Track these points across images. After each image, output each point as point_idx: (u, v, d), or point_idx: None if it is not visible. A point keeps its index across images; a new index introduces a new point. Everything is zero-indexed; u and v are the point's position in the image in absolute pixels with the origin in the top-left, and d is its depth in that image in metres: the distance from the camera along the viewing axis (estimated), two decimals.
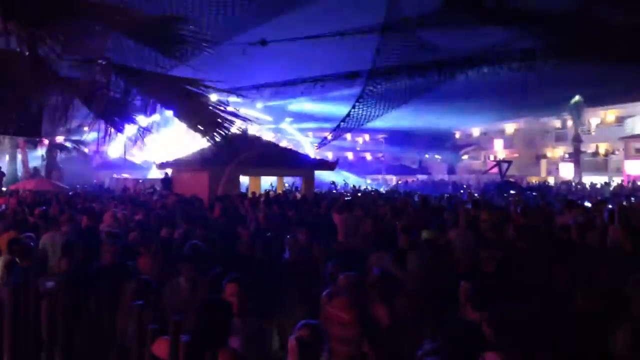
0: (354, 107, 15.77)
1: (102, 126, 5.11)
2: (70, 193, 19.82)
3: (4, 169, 25.42)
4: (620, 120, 44.56)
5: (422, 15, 14.85)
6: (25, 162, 29.62)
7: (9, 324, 4.45)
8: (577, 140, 42.88)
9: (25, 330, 4.71)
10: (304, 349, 3.55)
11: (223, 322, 3.46)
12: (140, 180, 33.08)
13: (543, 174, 48.96)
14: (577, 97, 41.79)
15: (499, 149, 55.42)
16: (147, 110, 5.10)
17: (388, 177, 54.32)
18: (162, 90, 5.05)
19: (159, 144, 32.97)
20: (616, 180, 36.98)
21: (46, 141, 32.80)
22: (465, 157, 59.49)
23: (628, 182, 35.12)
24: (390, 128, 60.39)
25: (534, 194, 23.28)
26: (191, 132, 5.53)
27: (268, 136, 40.28)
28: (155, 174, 30.12)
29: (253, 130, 26.98)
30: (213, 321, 3.43)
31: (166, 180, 23.21)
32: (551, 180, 43.25)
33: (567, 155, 47.57)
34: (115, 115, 5.15)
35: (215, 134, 5.17)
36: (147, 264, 5.93)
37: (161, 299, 5.02)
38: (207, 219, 10.57)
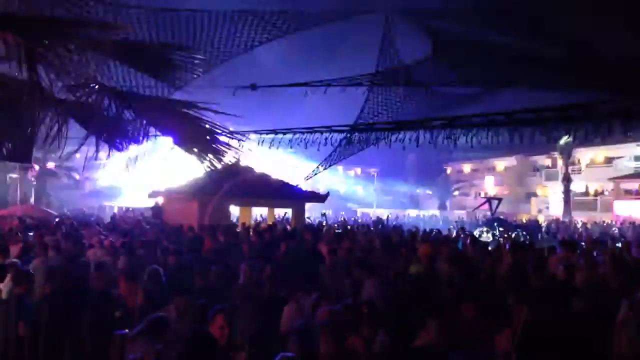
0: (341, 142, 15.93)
1: (100, 148, 5.08)
2: (57, 219, 19.64)
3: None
4: (609, 160, 45.10)
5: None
6: (21, 187, 29.41)
7: None
8: (566, 179, 43.22)
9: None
10: None
11: (209, 355, 3.40)
12: (130, 209, 32.89)
13: (533, 211, 49.18)
14: (566, 137, 42.26)
15: (490, 186, 55.76)
16: (142, 133, 5.10)
17: (379, 211, 54.27)
18: (155, 112, 5.05)
19: (149, 172, 32.89)
20: (606, 220, 37.17)
21: (37, 167, 32.70)
22: (456, 192, 59.77)
23: (617, 222, 35.35)
24: (382, 162, 60.89)
25: (523, 232, 23.34)
26: (182, 159, 5.51)
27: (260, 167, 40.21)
28: (146, 202, 29.94)
29: (246, 161, 27.02)
30: (199, 354, 3.36)
31: (156, 209, 23.08)
32: (541, 218, 43.42)
33: (556, 194, 47.91)
34: (113, 134, 5.14)
35: (211, 159, 5.15)
36: (132, 291, 5.84)
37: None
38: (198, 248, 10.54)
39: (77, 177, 35.19)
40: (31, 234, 12.20)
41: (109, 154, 4.89)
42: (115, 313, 4.80)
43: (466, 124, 11.49)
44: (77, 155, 5.06)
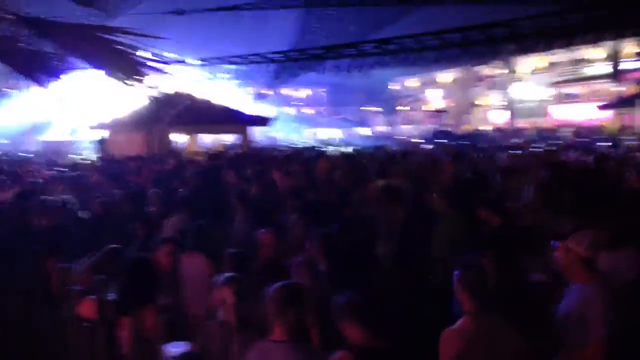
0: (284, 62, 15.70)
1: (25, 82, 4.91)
2: None
3: None
4: (550, 66, 46.08)
5: None
6: None
7: None
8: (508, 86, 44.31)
9: None
10: None
11: (147, 279, 3.51)
12: (73, 142, 31.88)
13: (476, 122, 50.45)
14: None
15: (435, 99, 56.52)
16: (65, 63, 4.94)
17: (330, 131, 54.47)
18: (78, 40, 4.85)
19: (90, 105, 31.68)
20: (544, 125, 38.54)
21: None
22: (403, 108, 60.36)
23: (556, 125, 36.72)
24: (329, 82, 60.41)
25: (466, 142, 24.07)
26: (120, 90, 5.39)
27: (206, 93, 39.24)
28: (86, 136, 28.99)
29: (187, 88, 26.34)
30: (138, 278, 3.48)
31: (101, 142, 22.52)
32: (486, 128, 44.64)
33: (500, 103, 49.06)
34: (36, 69, 4.95)
35: (133, 80, 5.02)
36: None
37: None
38: None
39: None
40: None
41: (28, 87, 4.74)
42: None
43: (398, 48, 11.45)
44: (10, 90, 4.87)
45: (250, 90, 53.72)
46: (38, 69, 4.72)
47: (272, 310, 3.00)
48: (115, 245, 4.36)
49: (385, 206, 5.86)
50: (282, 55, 15.48)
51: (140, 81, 4.74)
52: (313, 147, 23.96)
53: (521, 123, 41.88)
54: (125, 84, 4.82)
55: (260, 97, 44.95)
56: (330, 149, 22.69)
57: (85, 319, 3.51)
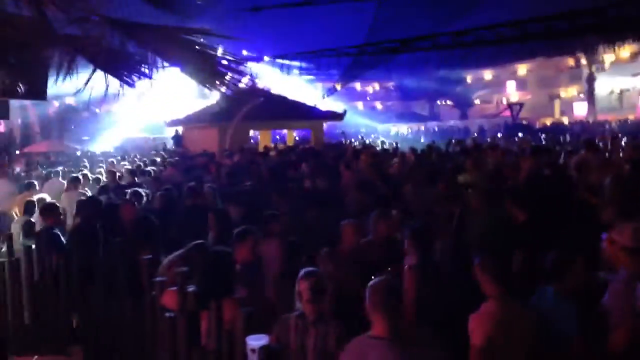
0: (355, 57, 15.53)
1: (108, 81, 5.12)
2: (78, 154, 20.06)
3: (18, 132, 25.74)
4: (634, 56, 43.44)
5: None
6: (33, 125, 29.76)
7: (27, 284, 4.64)
8: (590, 79, 42.08)
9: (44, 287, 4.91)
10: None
11: (227, 272, 3.59)
12: (152, 138, 33.27)
13: (557, 114, 48.30)
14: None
15: (512, 92, 54.61)
16: (148, 64, 5.11)
17: (399, 125, 53.83)
18: (159, 41, 5.01)
19: (167, 102, 32.92)
20: (630, 117, 36.41)
21: (56, 103, 32.97)
22: (477, 101, 58.73)
23: None
24: (399, 75, 59.63)
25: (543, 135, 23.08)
26: (198, 88, 5.55)
27: (276, 89, 39.90)
28: (167, 132, 30.25)
29: (262, 84, 26.84)
30: (218, 271, 3.55)
31: (177, 138, 23.39)
32: (565, 120, 42.69)
33: (581, 95, 46.76)
34: (121, 68, 5.16)
35: (221, 86, 5.16)
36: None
37: None
38: None
39: (98, 110, 35.45)
40: (59, 169, 12.51)
41: (120, 87, 4.94)
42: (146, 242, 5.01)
43: (476, 40, 11.03)
44: (92, 91, 5.10)
45: (320, 85, 54.06)
46: (124, 68, 4.90)
47: (373, 305, 2.99)
48: (200, 241, 4.49)
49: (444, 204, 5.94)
50: (355, 48, 15.37)
51: (228, 87, 4.84)
52: (383, 142, 23.81)
53: (604, 116, 39.73)
54: (206, 85, 4.94)
55: (330, 91, 45.03)
56: (401, 144, 22.43)
57: (167, 310, 3.62)
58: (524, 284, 4.13)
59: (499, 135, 25.69)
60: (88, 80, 4.61)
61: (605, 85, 44.49)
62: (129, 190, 7.82)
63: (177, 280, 3.55)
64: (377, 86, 68.09)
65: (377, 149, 17.13)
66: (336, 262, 4.57)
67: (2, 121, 26.45)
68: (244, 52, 25.52)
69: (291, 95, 25.41)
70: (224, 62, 5.19)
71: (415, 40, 13.34)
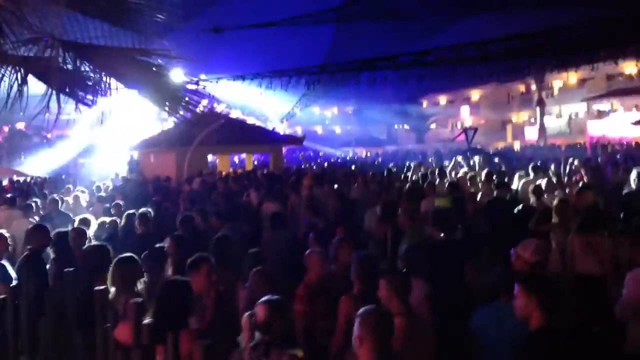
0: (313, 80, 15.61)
1: (63, 103, 4.94)
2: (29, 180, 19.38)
3: None
4: (582, 83, 45.31)
5: None
6: None
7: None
8: (540, 103, 43.62)
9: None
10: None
11: (184, 302, 3.44)
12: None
13: (509, 139, 49.71)
14: None
15: (466, 116, 56.00)
16: (103, 85, 4.98)
17: (358, 149, 54.37)
18: (114, 62, 4.90)
19: (122, 127, 32.34)
20: (580, 142, 37.73)
21: (6, 129, 31.94)
22: (433, 125, 59.93)
23: (591, 143, 35.88)
24: (357, 98, 60.43)
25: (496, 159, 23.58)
26: (155, 112, 5.42)
27: (235, 114, 39.84)
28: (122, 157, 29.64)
29: (220, 108, 26.65)
30: (174, 302, 3.40)
31: (132, 163, 22.91)
32: (516, 145, 43.94)
33: (532, 120, 48.33)
34: (76, 88, 5.00)
35: (179, 109, 5.05)
36: None
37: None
38: None
39: (49, 135, 34.48)
40: (8, 196, 12.02)
41: (76, 109, 4.77)
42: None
43: (436, 60, 11.33)
44: (47, 114, 4.92)
45: (280, 108, 54.19)
46: (79, 88, 4.75)
47: (363, 334, 2.95)
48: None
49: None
50: (317, 68, 15.42)
51: (180, 105, 4.73)
52: (344, 165, 23.91)
53: (553, 140, 41.09)
54: (164, 108, 4.83)
55: (288, 115, 45.22)
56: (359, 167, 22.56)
57: (120, 344, 3.45)
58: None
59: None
60: (48, 101, 4.45)
61: (555, 110, 46.23)
62: (77, 218, 7.58)
63: (131, 311, 3.38)
64: (335, 110, 68.80)
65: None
66: (307, 295, 4.54)
67: None
68: (202, 76, 25.45)
69: (249, 119, 25.38)
70: (183, 84, 5.11)
71: (376, 60, 13.52)
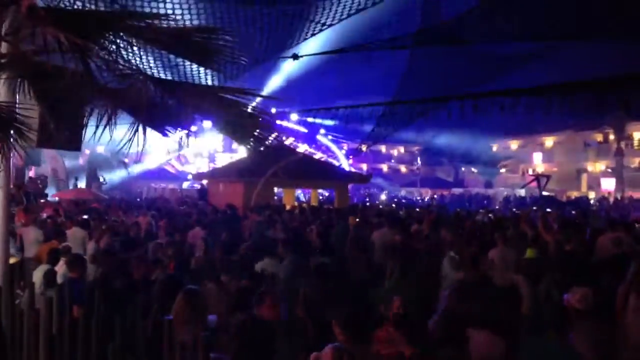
0: (382, 115, 15.56)
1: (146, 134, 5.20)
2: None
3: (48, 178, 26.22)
4: None
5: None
6: (56, 172, 30.17)
7: (44, 336, 4.53)
8: (619, 154, 41.76)
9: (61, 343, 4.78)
10: None
11: (263, 344, 3.37)
12: (179, 190, 33.63)
13: (584, 188, 47.70)
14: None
15: (538, 163, 54.34)
16: (186, 119, 5.20)
17: (423, 190, 53.71)
18: (197, 98, 5.14)
19: (196, 156, 33.51)
20: None
21: (87, 151, 33.73)
22: (502, 170, 58.46)
23: None
24: (425, 140, 60.05)
25: (572, 212, 22.65)
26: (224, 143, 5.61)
27: (302, 148, 40.54)
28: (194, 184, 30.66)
29: (288, 142, 27.15)
30: (252, 343, 3.34)
31: (202, 191, 23.56)
32: (592, 195, 42.10)
33: (609, 170, 46.29)
34: (160, 120, 5.26)
35: (252, 142, 5.21)
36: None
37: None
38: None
39: (127, 160, 36.10)
40: (85, 217, 12.58)
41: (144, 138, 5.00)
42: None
43: (513, 102, 11.01)
44: (126, 139, 5.17)
45: (346, 145, 54.55)
46: (164, 121, 4.98)
47: None
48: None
49: None
50: (385, 106, 15.36)
51: (261, 144, 4.86)
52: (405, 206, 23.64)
53: (632, 192, 39.09)
54: (241, 142, 4.97)
55: (354, 152, 45.37)
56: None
57: None
58: None
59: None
60: (135, 132, 4.68)
61: (634, 161, 44.12)
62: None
63: (199, 346, 3.39)
64: (402, 149, 68.55)
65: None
66: None
67: (33, 167, 27.00)
68: (273, 109, 26.18)
69: (317, 155, 25.66)
70: (259, 119, 5.26)
71: (449, 98, 13.30)
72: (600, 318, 4.30)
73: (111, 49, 4.69)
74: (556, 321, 4.55)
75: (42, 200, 19.31)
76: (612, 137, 44.50)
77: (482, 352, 3.65)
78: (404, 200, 35.73)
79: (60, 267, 6.69)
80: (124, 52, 4.89)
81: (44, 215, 13.23)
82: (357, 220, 12.04)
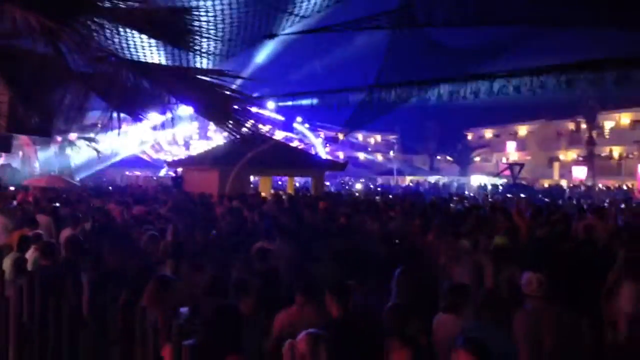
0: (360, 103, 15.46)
1: (120, 118, 5.08)
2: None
3: (19, 167, 25.68)
4: (634, 124, 44.11)
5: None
6: (30, 160, 29.61)
7: (14, 323, 4.45)
8: (590, 143, 42.56)
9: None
10: None
11: (233, 329, 3.36)
12: (155, 178, 33.27)
13: (556, 177, 48.52)
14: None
15: (512, 151, 55.10)
16: (161, 103, 5.11)
17: (399, 177, 54.05)
18: (172, 80, 5.03)
19: (171, 144, 33.11)
20: (629, 184, 36.56)
21: (59, 139, 33.03)
22: (477, 159, 59.14)
23: None
24: (401, 128, 60.44)
25: (545, 199, 23.07)
26: (201, 131, 5.52)
27: (279, 135, 40.39)
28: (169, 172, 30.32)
29: (265, 129, 27.00)
30: (222, 328, 3.33)
31: (176, 179, 23.32)
32: (564, 183, 42.87)
33: (580, 158, 47.19)
34: (133, 105, 5.14)
35: (230, 126, 5.13)
36: None
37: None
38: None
39: (98, 147, 35.51)
40: (57, 205, 12.33)
41: (119, 124, 4.89)
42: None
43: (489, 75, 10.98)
44: (99, 124, 5.07)
45: (322, 133, 54.52)
46: (138, 105, 4.88)
47: None
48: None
49: None
50: (364, 91, 15.24)
51: (239, 128, 4.80)
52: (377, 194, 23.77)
53: (602, 181, 39.93)
54: (218, 125, 4.91)
55: (330, 140, 45.36)
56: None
57: None
58: None
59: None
60: (110, 119, 4.58)
61: (605, 150, 45.04)
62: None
63: (173, 333, 3.36)
64: (378, 138, 68.86)
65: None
66: None
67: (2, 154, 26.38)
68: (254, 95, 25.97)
69: (293, 142, 25.58)
70: (237, 102, 5.19)
71: (430, 81, 13.26)
72: (546, 303, 4.36)
73: (83, 31, 4.58)
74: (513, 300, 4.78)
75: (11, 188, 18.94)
76: (584, 126, 45.27)
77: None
78: (379, 189, 35.89)
79: (31, 255, 6.56)
80: (95, 35, 4.77)
81: (13, 202, 12.96)
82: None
